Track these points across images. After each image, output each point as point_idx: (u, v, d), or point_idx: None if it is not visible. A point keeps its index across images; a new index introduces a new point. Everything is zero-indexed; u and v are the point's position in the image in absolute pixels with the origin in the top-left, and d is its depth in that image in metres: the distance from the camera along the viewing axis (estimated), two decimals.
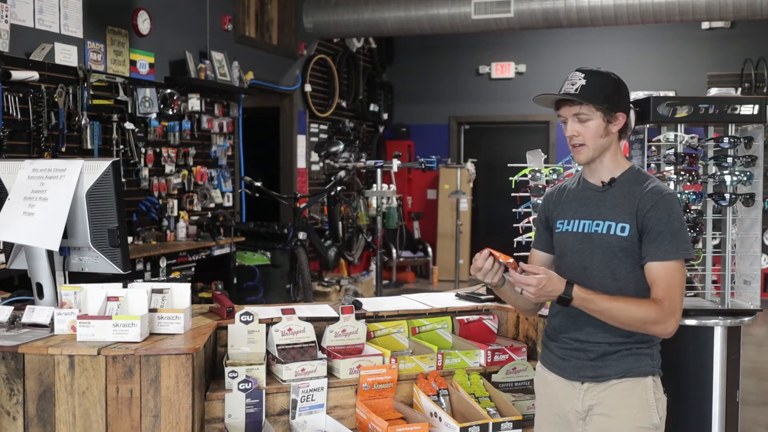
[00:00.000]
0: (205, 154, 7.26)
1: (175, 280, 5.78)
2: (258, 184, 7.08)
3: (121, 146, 5.98)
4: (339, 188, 8.19)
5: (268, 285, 7.27)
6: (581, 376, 2.37)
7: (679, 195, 3.25)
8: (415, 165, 5.85)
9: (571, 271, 2.37)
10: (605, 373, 2.33)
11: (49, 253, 2.71)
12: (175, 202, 6.66)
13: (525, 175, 3.46)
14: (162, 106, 6.41)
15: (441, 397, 2.84)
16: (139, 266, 5.50)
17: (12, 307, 2.70)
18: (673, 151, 3.28)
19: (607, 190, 2.38)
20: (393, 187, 6.09)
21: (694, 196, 3.26)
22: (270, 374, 2.77)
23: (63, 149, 5.39)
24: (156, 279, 5.57)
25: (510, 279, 2.27)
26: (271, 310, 3.00)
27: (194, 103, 6.87)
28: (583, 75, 2.35)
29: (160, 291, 2.71)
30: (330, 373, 2.83)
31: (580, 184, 2.48)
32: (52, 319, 2.57)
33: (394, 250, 10.22)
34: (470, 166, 10.76)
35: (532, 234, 3.37)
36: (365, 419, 2.73)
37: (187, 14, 7.05)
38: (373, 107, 11.01)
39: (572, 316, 2.37)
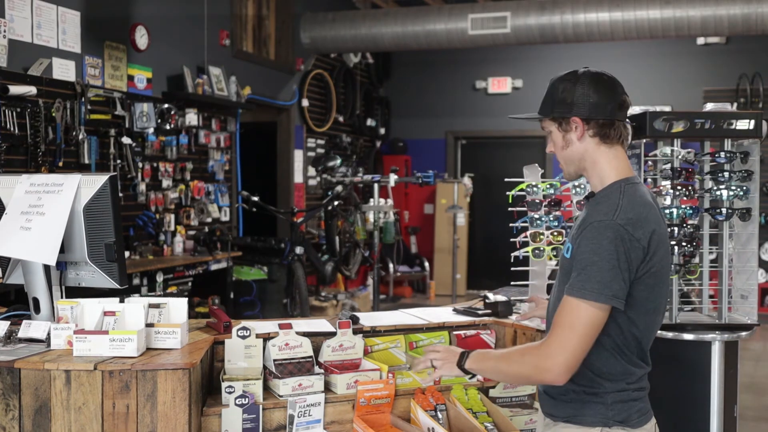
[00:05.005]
0: (202, 168, 7.26)
1: (171, 294, 5.77)
2: (255, 198, 7.09)
3: (119, 161, 5.98)
4: (336, 203, 8.19)
5: (265, 300, 7.26)
6: (543, 410, 2.23)
7: (675, 210, 3.25)
8: (412, 180, 5.84)
9: (552, 294, 2.22)
10: (555, 413, 2.17)
11: (46, 268, 2.70)
12: (172, 216, 6.65)
13: (522, 190, 3.46)
14: (159, 120, 6.42)
15: (438, 412, 2.83)
16: (136, 281, 5.49)
17: (8, 322, 2.69)
18: (669, 165, 3.29)
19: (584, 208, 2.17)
20: (390, 201, 6.08)
21: (691, 211, 3.27)
22: (267, 389, 2.76)
23: (60, 164, 5.39)
24: (153, 294, 5.55)
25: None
26: (268, 325, 2.99)
27: (191, 117, 6.88)
28: (549, 85, 2.18)
29: (156, 306, 2.70)
30: (327, 388, 2.82)
31: None
32: (49, 334, 2.56)
33: (391, 265, 10.21)
34: (467, 180, 10.79)
35: (529, 249, 3.38)
36: None
37: (184, 29, 7.07)
38: (370, 122, 11.04)
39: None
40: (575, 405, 2.10)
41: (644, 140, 3.26)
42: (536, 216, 3.38)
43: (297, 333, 2.87)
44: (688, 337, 3.21)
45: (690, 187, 3.26)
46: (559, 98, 2.12)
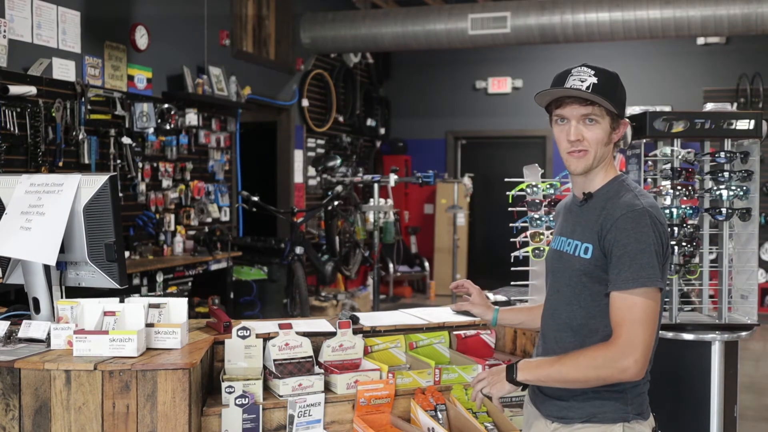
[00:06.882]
0: (202, 168, 7.26)
1: (171, 294, 5.77)
2: (255, 198, 7.08)
3: (119, 161, 5.98)
4: (336, 203, 8.19)
5: (265, 300, 7.26)
6: (549, 414, 2.19)
7: (675, 210, 3.26)
8: (412, 180, 5.85)
9: (549, 294, 2.22)
10: (570, 414, 2.13)
11: (46, 268, 2.70)
12: (172, 216, 6.65)
13: (522, 190, 3.46)
14: (159, 120, 6.42)
15: (438, 412, 2.83)
16: (136, 281, 5.49)
17: (8, 322, 2.69)
18: (669, 165, 3.29)
19: (584, 205, 2.17)
20: (390, 201, 6.09)
21: (691, 211, 3.27)
22: (267, 389, 2.76)
23: (60, 164, 5.39)
24: (153, 294, 5.55)
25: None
26: (268, 325, 2.99)
27: (191, 117, 6.88)
28: (593, 72, 2.11)
29: (156, 306, 2.70)
30: (327, 388, 2.82)
31: (572, 197, 2.28)
32: (49, 334, 2.56)
33: (391, 265, 10.21)
34: (467, 180, 10.78)
35: (529, 249, 3.38)
36: None
37: (184, 29, 7.07)
38: (370, 122, 11.03)
39: (545, 342, 2.23)
40: (594, 404, 2.09)
41: (644, 140, 3.26)
42: (536, 216, 3.38)
43: (297, 333, 2.87)
44: (688, 337, 3.22)
45: (690, 187, 3.26)
46: (619, 98, 2.13)
